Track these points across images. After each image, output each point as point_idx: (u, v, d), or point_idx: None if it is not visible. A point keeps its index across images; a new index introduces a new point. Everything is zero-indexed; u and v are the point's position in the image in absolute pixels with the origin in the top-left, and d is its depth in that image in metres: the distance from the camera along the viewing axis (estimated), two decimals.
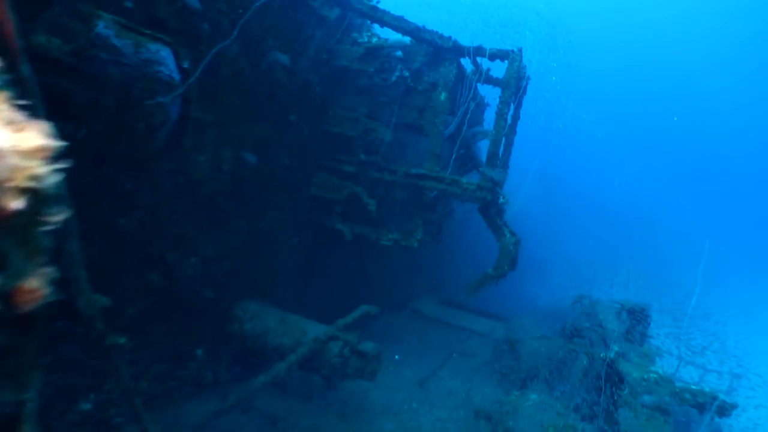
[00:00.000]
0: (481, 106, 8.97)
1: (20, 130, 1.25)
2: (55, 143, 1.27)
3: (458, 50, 7.09)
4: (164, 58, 3.22)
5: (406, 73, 7.24)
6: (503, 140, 7.34)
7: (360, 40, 7.50)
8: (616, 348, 6.24)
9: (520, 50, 6.90)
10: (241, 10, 5.45)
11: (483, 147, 8.57)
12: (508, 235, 7.01)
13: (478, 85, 8.38)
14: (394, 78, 7.25)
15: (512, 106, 7.47)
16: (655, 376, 5.37)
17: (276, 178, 6.80)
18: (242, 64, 5.65)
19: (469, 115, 7.33)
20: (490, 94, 8.80)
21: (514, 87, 6.97)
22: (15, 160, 1.20)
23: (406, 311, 11.70)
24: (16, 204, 1.19)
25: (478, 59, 7.46)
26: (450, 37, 7.05)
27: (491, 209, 7.07)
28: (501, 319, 12.47)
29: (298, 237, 7.62)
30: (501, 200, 7.03)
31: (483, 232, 8.39)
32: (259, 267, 6.91)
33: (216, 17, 5.19)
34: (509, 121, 8.42)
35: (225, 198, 5.84)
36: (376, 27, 7.88)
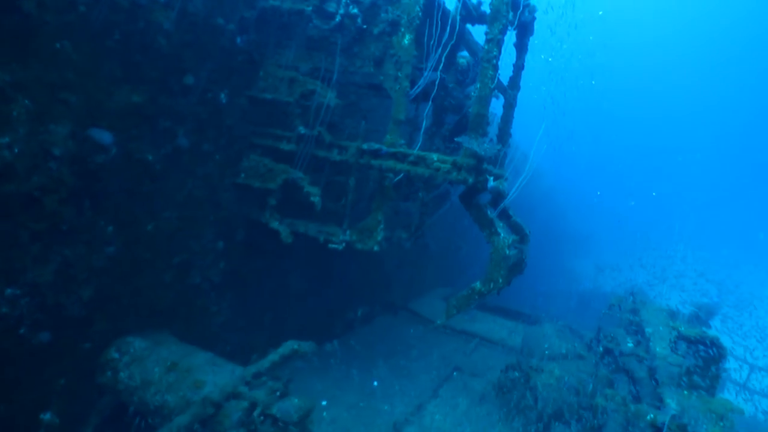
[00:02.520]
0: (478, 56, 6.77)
1: None
2: None
3: None
4: None
5: (354, 10, 5.14)
6: (494, 98, 5.20)
7: None
8: (673, 405, 4.09)
9: None
10: None
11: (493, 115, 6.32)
12: (502, 234, 4.90)
13: (470, 27, 6.22)
14: (338, 18, 5.17)
15: (508, 49, 5.31)
16: None
17: (172, 163, 4.88)
18: None
19: (445, 62, 5.19)
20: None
21: (507, 18, 4.76)
22: None
23: (403, 313, 9.73)
24: None
25: None
26: None
27: (478, 196, 4.97)
28: (521, 319, 10.32)
29: (225, 240, 5.72)
30: (491, 183, 4.90)
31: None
32: (156, 286, 5.04)
33: None
34: (511, 72, 6.27)
35: (62, 198, 3.96)
36: None
